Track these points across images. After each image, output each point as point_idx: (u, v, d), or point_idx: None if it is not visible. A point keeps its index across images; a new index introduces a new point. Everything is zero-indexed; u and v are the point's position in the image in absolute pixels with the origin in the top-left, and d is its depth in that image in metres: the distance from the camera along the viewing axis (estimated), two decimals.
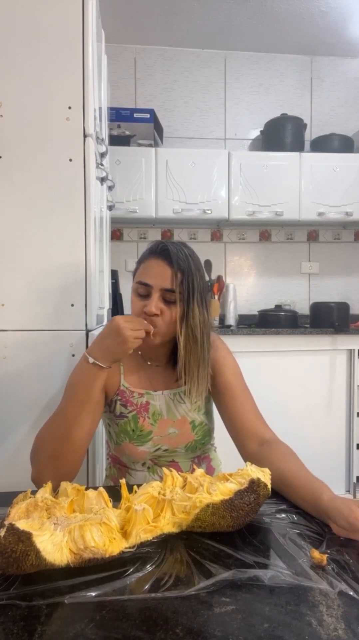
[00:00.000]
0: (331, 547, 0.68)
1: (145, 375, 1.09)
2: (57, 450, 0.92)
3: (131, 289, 1.04)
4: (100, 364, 0.93)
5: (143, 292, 0.99)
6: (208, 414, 1.12)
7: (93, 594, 0.56)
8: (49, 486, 0.75)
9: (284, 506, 0.82)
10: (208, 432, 1.11)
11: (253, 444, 0.98)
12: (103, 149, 1.55)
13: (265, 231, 3.26)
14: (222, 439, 1.20)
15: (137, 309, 0.99)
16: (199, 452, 1.13)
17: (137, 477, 1.09)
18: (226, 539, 0.69)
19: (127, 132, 2.83)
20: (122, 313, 2.87)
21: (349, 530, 0.70)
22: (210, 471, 1.16)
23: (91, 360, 0.93)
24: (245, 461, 0.97)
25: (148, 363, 1.10)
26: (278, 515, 0.78)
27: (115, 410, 1.06)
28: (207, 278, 2.69)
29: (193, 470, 0.80)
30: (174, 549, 0.67)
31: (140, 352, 1.09)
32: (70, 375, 0.99)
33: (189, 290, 0.97)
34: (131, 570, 0.61)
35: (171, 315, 0.98)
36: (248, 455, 0.98)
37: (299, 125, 3.05)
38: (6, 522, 0.60)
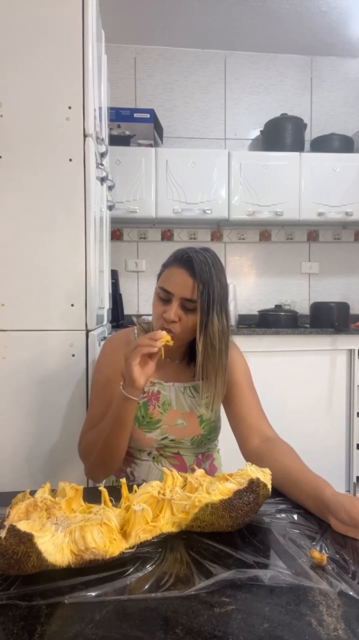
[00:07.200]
0: (327, 544, 0.68)
1: (158, 366, 1.13)
2: (103, 461, 1.03)
3: (154, 290, 1.09)
4: (131, 397, 0.95)
5: (164, 297, 1.04)
6: (216, 412, 1.15)
7: (93, 594, 0.56)
8: (47, 486, 0.75)
9: (284, 506, 0.81)
10: (215, 430, 1.14)
11: (255, 439, 1.00)
12: (103, 149, 1.55)
13: (265, 231, 3.26)
14: (223, 442, 1.21)
15: (157, 312, 1.05)
16: (204, 449, 1.15)
17: (142, 466, 1.11)
18: (226, 539, 0.69)
19: (127, 132, 2.83)
20: (121, 313, 2.87)
21: (349, 524, 0.70)
22: (212, 470, 1.18)
23: (124, 393, 0.95)
24: (246, 458, 0.98)
25: (164, 358, 1.13)
26: (278, 515, 0.78)
27: None
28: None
29: (193, 470, 0.80)
30: (174, 548, 0.67)
31: None
32: (111, 409, 1.01)
33: (209, 301, 1.01)
34: (131, 570, 0.61)
35: (189, 322, 1.03)
36: (250, 450, 1.00)
37: (299, 125, 3.05)
38: (7, 524, 0.60)
